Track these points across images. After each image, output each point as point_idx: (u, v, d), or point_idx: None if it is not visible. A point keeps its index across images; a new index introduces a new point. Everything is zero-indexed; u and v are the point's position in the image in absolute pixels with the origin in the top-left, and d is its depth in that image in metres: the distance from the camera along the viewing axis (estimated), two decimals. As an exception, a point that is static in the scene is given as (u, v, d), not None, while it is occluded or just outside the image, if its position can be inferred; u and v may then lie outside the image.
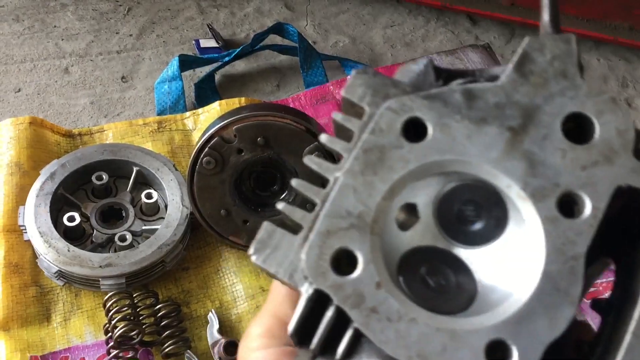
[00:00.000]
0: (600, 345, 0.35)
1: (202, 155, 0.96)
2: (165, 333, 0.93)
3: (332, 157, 0.89)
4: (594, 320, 0.41)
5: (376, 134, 0.35)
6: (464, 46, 1.32)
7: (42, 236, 0.95)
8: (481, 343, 0.32)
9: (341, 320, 0.34)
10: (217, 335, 0.95)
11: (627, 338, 0.33)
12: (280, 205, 0.36)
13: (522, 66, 0.35)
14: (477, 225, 0.36)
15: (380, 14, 1.48)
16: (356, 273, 0.33)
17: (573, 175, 0.34)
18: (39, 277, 0.98)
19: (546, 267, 0.33)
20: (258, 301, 0.99)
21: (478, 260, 0.36)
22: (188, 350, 0.93)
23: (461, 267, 0.36)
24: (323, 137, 0.37)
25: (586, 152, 0.34)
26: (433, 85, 0.38)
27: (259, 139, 0.95)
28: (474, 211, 0.36)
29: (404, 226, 0.37)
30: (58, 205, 1.02)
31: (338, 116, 0.37)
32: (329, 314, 0.34)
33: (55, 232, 0.96)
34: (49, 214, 0.98)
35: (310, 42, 1.33)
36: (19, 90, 1.28)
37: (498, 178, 0.34)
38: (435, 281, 0.35)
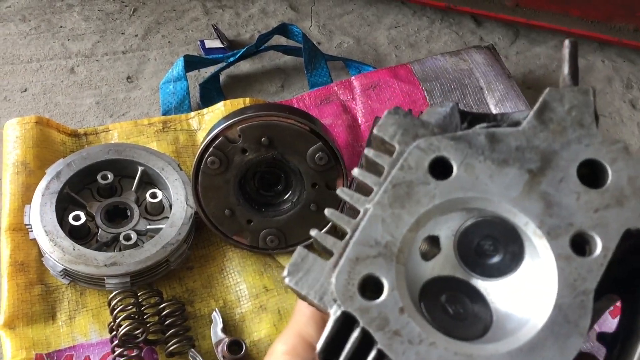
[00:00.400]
0: None
1: (206, 155, 0.97)
2: (170, 332, 0.93)
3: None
4: (599, 352, 0.43)
5: (405, 170, 0.38)
6: (468, 47, 1.32)
7: (47, 235, 0.96)
8: None
9: (366, 341, 0.36)
10: (221, 334, 0.95)
11: None
12: (313, 232, 0.39)
13: (542, 114, 0.38)
14: (495, 259, 0.38)
15: (384, 15, 1.48)
16: (381, 298, 0.35)
17: (586, 217, 0.37)
18: (45, 276, 0.99)
19: (558, 300, 0.36)
20: (262, 300, 1.00)
21: (494, 291, 0.38)
22: (192, 349, 0.93)
23: (478, 297, 0.38)
24: (355, 171, 0.40)
25: (599, 196, 0.37)
26: (458, 127, 0.41)
27: (263, 139, 0.96)
28: (492, 246, 0.38)
29: (426, 256, 0.39)
30: (63, 205, 1.03)
31: (370, 152, 0.40)
32: (355, 334, 0.36)
33: (60, 231, 0.97)
34: (54, 212, 0.98)
35: (314, 42, 1.33)
36: (25, 90, 1.29)
37: (516, 216, 0.37)
38: (454, 309, 0.37)
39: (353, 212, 0.39)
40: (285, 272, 0.38)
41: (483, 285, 0.39)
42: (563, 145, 0.38)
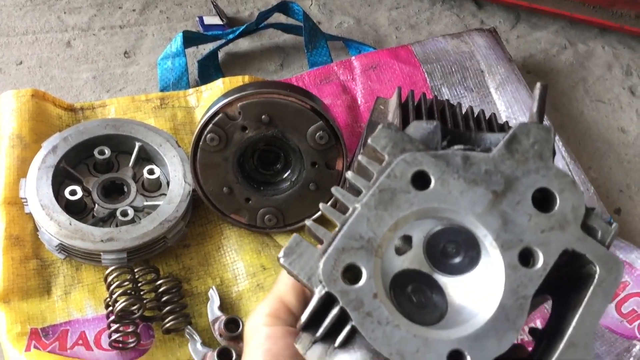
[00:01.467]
0: None
1: (205, 132, 0.96)
2: (166, 309, 0.93)
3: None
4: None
5: (391, 178, 0.44)
6: (470, 29, 1.31)
7: (43, 209, 0.95)
8: (445, 351, 0.41)
9: (342, 319, 0.42)
10: (218, 312, 0.95)
11: None
12: (308, 222, 0.46)
13: (511, 144, 0.45)
14: (456, 260, 0.45)
15: (385, -4, 1.47)
16: (360, 284, 0.42)
17: (534, 235, 0.44)
18: (40, 250, 0.98)
19: (502, 300, 0.43)
20: (259, 279, 1.00)
21: (452, 286, 0.45)
22: (188, 326, 0.93)
23: (438, 290, 0.45)
24: (349, 174, 0.46)
25: (547, 219, 0.44)
26: (439, 144, 0.48)
27: (263, 116, 0.95)
28: (455, 249, 0.45)
29: (399, 251, 0.46)
30: (60, 179, 1.02)
31: (363, 159, 0.46)
32: (334, 311, 0.42)
33: (57, 205, 0.96)
34: (50, 187, 0.97)
35: (314, 22, 1.32)
36: (21, 62, 1.27)
37: (478, 228, 0.44)
38: (417, 298, 0.44)
39: (344, 207, 0.45)
40: (281, 254, 0.44)
41: (443, 280, 0.45)
42: (524, 173, 0.44)
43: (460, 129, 0.55)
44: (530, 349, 0.48)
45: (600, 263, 0.44)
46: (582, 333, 0.43)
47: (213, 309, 0.95)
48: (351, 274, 0.42)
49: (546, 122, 1.19)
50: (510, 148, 0.45)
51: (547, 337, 0.46)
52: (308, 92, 1.00)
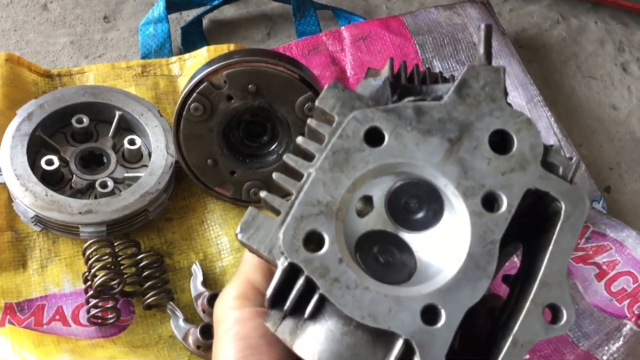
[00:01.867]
0: (507, 311, 0.45)
1: (189, 101, 0.92)
2: (147, 284, 0.90)
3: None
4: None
5: (343, 138, 0.43)
6: (463, 1, 1.27)
7: (18, 179, 0.91)
8: (418, 307, 0.40)
9: (308, 289, 0.41)
10: (201, 288, 0.92)
11: (527, 305, 0.42)
12: (262, 194, 0.44)
13: (461, 89, 0.44)
14: (419, 215, 0.44)
15: (376, -36, 1.42)
16: (323, 250, 0.40)
17: (495, 179, 0.43)
18: (15, 222, 0.94)
19: (470, 249, 0.42)
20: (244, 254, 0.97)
21: (418, 242, 0.44)
22: (170, 302, 0.90)
23: (404, 248, 0.44)
24: (299, 139, 0.45)
25: (506, 161, 0.43)
26: (389, 99, 0.47)
27: (250, 86, 0.91)
28: (417, 204, 0.44)
29: (361, 214, 0.45)
30: (35, 148, 0.97)
31: (312, 122, 0.45)
32: (300, 282, 0.41)
33: (32, 176, 0.91)
34: (25, 156, 0.93)
35: (303, -11, 1.27)
36: (-6, 25, 1.21)
37: (438, 179, 0.43)
38: (384, 258, 0.43)
39: (299, 174, 0.44)
40: (237, 230, 0.43)
41: (409, 237, 0.44)
42: (478, 117, 0.43)
43: (415, 84, 0.53)
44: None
45: (564, 199, 0.43)
46: (554, 272, 0.42)
47: (196, 285, 0.93)
48: (313, 241, 0.41)
49: (537, 96, 1.17)
50: (461, 93, 0.44)
51: (521, 282, 0.45)
52: (297, 61, 0.96)
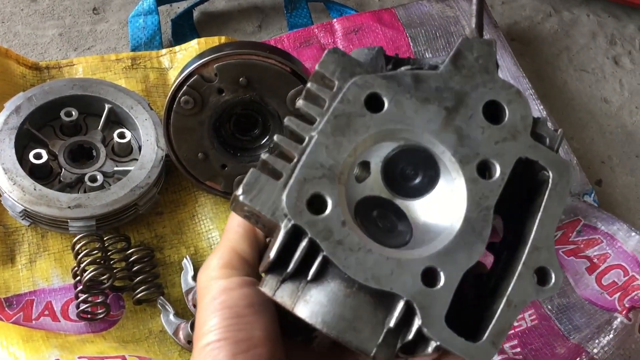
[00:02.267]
0: (494, 277, 0.47)
1: (180, 94, 0.91)
2: (138, 278, 0.89)
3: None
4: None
5: (344, 103, 0.43)
6: (456, -7, 1.27)
7: (6, 173, 0.90)
8: (419, 269, 0.41)
9: (311, 251, 0.41)
10: (192, 282, 0.91)
11: (519, 267, 0.43)
12: (264, 156, 0.43)
13: (456, 60, 0.45)
14: (415, 182, 0.45)
15: (368, -44, 1.41)
16: (326, 213, 0.41)
17: (489, 147, 0.44)
18: (3, 217, 0.93)
19: (467, 214, 0.43)
20: (235, 249, 0.96)
21: (414, 209, 0.45)
22: (161, 297, 0.90)
23: (401, 215, 0.45)
24: (300, 102, 0.45)
25: (499, 130, 0.45)
26: (384, 69, 0.48)
27: (241, 79, 0.90)
28: (413, 170, 0.45)
29: (358, 179, 0.46)
30: (24, 142, 0.96)
31: (313, 86, 0.45)
32: (303, 244, 0.41)
33: (20, 170, 0.90)
34: (13, 149, 0.92)
35: (294, -19, 1.26)
36: (-19, 17, 1.20)
37: (435, 145, 0.44)
38: (383, 223, 0.44)
39: (299, 137, 0.44)
40: (239, 191, 0.42)
41: (405, 204, 0.46)
42: (472, 87, 0.44)
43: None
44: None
45: (552, 168, 0.45)
46: (544, 236, 0.44)
47: (187, 279, 0.92)
48: (316, 204, 0.41)
49: (529, 89, 1.16)
50: (456, 64, 0.45)
51: (507, 249, 0.47)
52: (288, 54, 0.95)
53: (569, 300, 0.95)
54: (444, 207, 0.45)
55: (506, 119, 0.45)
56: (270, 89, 0.92)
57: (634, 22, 1.39)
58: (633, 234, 0.99)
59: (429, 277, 0.42)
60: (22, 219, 0.92)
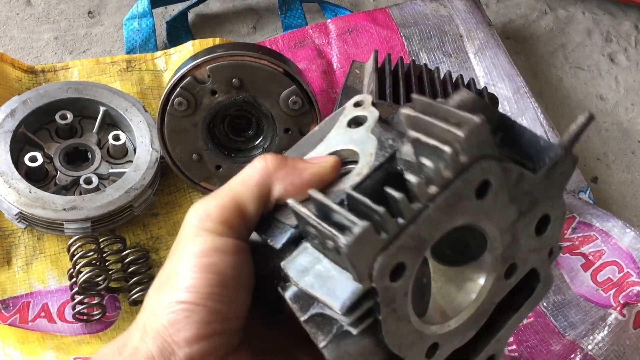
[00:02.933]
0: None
1: (173, 96, 0.91)
2: (133, 280, 0.89)
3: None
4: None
5: (464, 182, 0.41)
6: (449, -8, 1.27)
7: (1, 176, 0.90)
8: (428, 343, 0.44)
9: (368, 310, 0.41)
10: (187, 283, 0.92)
11: (481, 354, 0.48)
12: (379, 209, 0.40)
13: (550, 171, 0.44)
14: (459, 255, 0.46)
15: (362, -43, 1.41)
16: (399, 282, 0.40)
17: (523, 254, 0.45)
18: (-1, 219, 0.94)
19: (480, 306, 0.45)
20: (230, 249, 0.97)
21: (438, 277, 0.47)
22: (156, 298, 0.90)
23: (427, 285, 0.47)
24: (409, 149, 0.42)
25: (536, 241, 0.45)
26: (493, 146, 0.43)
27: (234, 80, 0.91)
28: (464, 244, 0.45)
29: None
30: (19, 145, 0.97)
31: (430, 140, 0.42)
32: (369, 305, 0.40)
33: (16, 173, 0.91)
34: (9, 153, 0.92)
35: (289, -18, 1.26)
36: (-23, 22, 1.21)
37: (495, 240, 0.44)
38: (415, 288, 0.43)
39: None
40: (350, 241, 0.38)
41: (433, 265, 0.47)
42: (544, 198, 0.45)
43: (438, 95, 0.52)
44: None
45: (544, 281, 0.47)
46: (509, 333, 0.48)
47: (182, 280, 0.92)
48: (397, 271, 0.40)
49: (524, 87, 1.17)
50: (549, 175, 0.44)
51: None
52: (281, 54, 0.96)
53: (565, 297, 0.95)
54: (461, 290, 0.46)
55: (546, 233, 0.45)
56: (263, 90, 0.92)
57: (629, 19, 1.39)
58: (628, 230, 0.99)
59: (431, 351, 0.44)
60: (18, 222, 0.92)
